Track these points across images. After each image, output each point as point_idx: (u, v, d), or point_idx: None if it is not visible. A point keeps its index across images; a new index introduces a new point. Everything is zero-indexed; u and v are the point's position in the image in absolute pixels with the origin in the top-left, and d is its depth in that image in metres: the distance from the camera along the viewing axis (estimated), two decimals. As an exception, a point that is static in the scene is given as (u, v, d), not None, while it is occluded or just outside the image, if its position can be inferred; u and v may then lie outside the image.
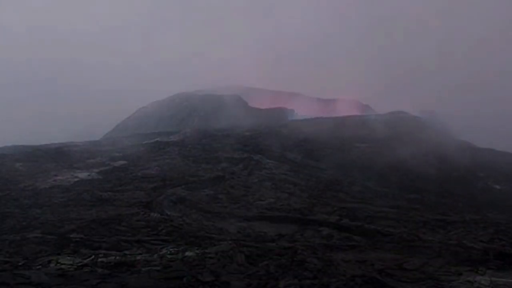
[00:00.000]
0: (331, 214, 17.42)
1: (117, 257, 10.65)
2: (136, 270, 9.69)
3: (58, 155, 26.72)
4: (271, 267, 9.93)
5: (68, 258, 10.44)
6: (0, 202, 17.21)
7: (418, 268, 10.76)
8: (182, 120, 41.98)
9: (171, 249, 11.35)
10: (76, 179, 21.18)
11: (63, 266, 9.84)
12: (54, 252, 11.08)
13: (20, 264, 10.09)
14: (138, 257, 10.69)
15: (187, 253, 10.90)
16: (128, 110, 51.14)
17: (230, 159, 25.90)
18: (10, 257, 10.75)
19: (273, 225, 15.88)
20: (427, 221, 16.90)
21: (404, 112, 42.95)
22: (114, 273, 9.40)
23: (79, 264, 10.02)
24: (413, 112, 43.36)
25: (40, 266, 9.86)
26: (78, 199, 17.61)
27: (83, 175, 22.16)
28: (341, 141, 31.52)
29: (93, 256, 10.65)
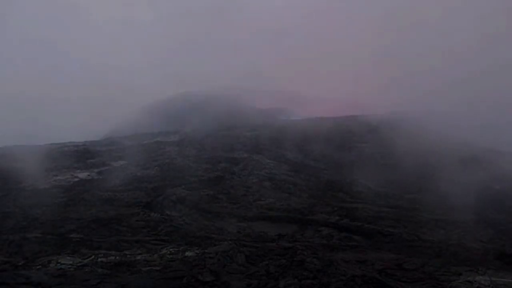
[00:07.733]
0: (331, 214, 17.42)
1: (117, 257, 10.67)
2: (136, 270, 9.70)
3: (59, 155, 26.70)
4: (271, 267, 9.94)
5: (68, 258, 10.47)
6: (0, 202, 17.23)
7: (418, 268, 10.76)
8: (182, 120, 41.87)
9: (171, 249, 11.36)
10: (76, 179, 21.18)
11: (63, 266, 9.86)
12: (54, 252, 11.11)
13: (20, 264, 10.12)
14: (138, 257, 10.71)
15: (187, 253, 10.92)
16: (128, 110, 51.06)
17: (230, 159, 25.87)
18: (10, 257, 10.78)
19: (273, 225, 15.90)
20: (427, 221, 16.91)
21: (404, 112, 42.90)
22: (114, 273, 9.41)
23: (79, 264, 10.04)
24: (413, 111, 43.29)
25: (40, 266, 9.88)
26: (78, 199, 17.61)
27: (83, 175, 22.16)
28: (341, 141, 31.50)
29: (93, 256, 10.68)
